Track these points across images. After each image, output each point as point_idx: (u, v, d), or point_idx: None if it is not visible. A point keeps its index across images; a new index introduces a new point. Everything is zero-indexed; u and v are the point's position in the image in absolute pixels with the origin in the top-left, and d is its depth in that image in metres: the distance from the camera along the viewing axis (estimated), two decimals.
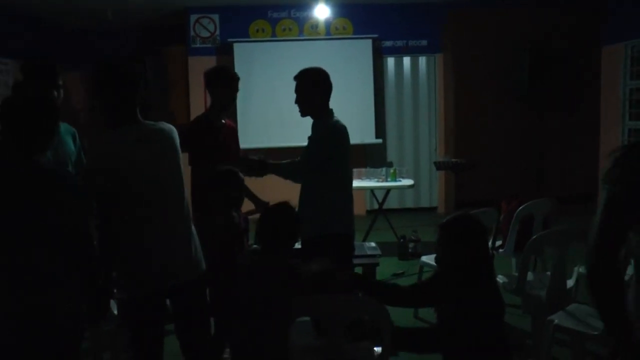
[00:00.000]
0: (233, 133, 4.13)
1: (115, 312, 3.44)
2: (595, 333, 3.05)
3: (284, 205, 2.72)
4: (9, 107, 2.32)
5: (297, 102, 3.47)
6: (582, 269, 3.99)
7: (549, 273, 3.90)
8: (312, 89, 3.43)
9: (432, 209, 9.10)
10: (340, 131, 3.42)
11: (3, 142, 2.32)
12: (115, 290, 2.69)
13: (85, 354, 3.62)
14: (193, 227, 2.75)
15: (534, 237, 3.77)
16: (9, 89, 7.05)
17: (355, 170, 6.82)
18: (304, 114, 3.49)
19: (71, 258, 2.31)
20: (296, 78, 3.48)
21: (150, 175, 2.55)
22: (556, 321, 3.20)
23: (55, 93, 3.15)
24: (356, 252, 3.86)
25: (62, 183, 2.33)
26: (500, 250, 4.56)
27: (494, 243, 4.50)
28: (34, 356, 2.28)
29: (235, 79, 4.00)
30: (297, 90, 3.46)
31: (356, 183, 6.72)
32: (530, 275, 3.92)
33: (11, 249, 2.25)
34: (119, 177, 2.51)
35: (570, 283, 3.84)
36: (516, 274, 3.96)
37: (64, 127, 3.34)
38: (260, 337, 2.51)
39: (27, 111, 2.31)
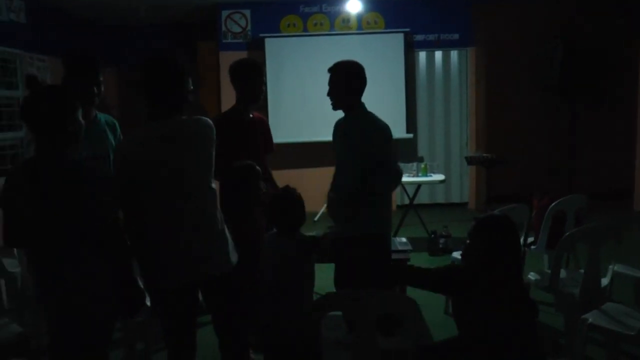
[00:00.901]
0: (262, 127, 4.04)
1: (149, 303, 3.50)
2: (632, 333, 3.00)
3: (287, 191, 2.94)
4: (24, 105, 2.39)
5: (329, 94, 3.46)
6: (617, 267, 3.93)
7: (582, 271, 3.84)
8: (346, 82, 3.42)
9: (462, 205, 9.02)
10: (388, 129, 3.41)
11: (35, 139, 2.39)
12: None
13: (118, 344, 3.71)
14: (223, 222, 2.75)
15: (567, 234, 3.72)
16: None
17: None
18: (336, 107, 3.48)
19: (100, 248, 2.36)
20: (330, 70, 3.47)
21: (172, 172, 2.56)
22: (590, 320, 3.16)
23: (95, 89, 3.16)
24: None
25: (87, 177, 2.37)
26: (532, 247, 4.51)
27: (525, 240, 4.45)
28: (66, 340, 2.37)
29: (257, 71, 3.86)
30: (330, 83, 3.46)
31: None
32: (563, 273, 3.87)
33: (45, 240, 2.33)
34: (142, 173, 2.55)
35: (604, 282, 3.77)
36: (548, 271, 3.92)
37: (104, 118, 3.36)
38: (286, 311, 2.71)
39: (37, 107, 2.36)
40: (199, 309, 2.81)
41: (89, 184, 2.34)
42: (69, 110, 2.39)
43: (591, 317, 3.19)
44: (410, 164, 6.83)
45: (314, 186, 8.48)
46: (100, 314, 2.39)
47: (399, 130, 8.27)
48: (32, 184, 2.30)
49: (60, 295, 2.35)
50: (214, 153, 2.69)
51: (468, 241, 2.52)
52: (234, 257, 2.75)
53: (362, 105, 3.47)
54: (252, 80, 3.81)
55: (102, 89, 3.23)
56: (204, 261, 2.64)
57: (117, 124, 3.44)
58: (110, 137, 3.34)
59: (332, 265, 3.53)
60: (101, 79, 3.21)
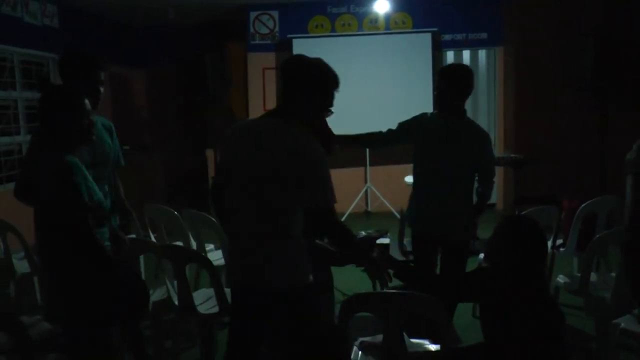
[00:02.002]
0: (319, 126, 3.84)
1: (176, 302, 3.54)
2: None
3: None
4: (39, 105, 2.45)
5: (442, 96, 3.48)
6: None
7: (613, 274, 3.78)
8: (462, 85, 3.44)
9: (490, 206, 8.91)
10: None
11: (41, 137, 2.47)
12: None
13: (147, 342, 3.76)
14: (298, 241, 2.50)
15: (598, 236, 3.66)
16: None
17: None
18: (445, 110, 3.50)
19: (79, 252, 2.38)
20: (445, 72, 3.50)
21: (240, 169, 2.47)
22: (622, 325, 3.10)
23: (101, 89, 3.08)
24: None
25: (71, 179, 2.34)
26: (562, 249, 4.45)
27: (554, 242, 4.39)
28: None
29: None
30: (445, 85, 3.44)
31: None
32: (593, 276, 3.81)
33: (40, 238, 2.43)
34: (226, 164, 2.57)
35: None
36: (578, 275, 3.86)
37: (101, 120, 3.23)
38: None
39: (44, 107, 2.42)
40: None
41: (69, 187, 2.33)
42: (80, 109, 2.43)
43: (623, 322, 3.13)
44: None
45: (342, 187, 8.49)
46: (91, 318, 2.41)
47: None
48: (32, 181, 2.39)
49: (52, 299, 2.42)
50: (297, 177, 2.38)
51: (492, 239, 2.50)
52: (293, 278, 2.47)
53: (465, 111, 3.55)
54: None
55: (102, 90, 3.11)
56: (253, 271, 2.50)
57: (113, 127, 3.34)
58: (108, 140, 3.24)
59: (354, 267, 3.53)
60: (102, 79, 3.09)
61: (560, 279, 4.05)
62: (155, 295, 3.71)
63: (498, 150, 8.58)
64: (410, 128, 3.66)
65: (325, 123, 3.62)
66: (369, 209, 8.54)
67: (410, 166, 3.72)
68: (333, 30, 8.60)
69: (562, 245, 4.48)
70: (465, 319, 4.20)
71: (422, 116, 3.66)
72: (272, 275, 2.44)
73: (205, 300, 3.60)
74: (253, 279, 2.49)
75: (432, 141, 3.53)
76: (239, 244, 2.53)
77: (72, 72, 3.03)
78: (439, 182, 3.50)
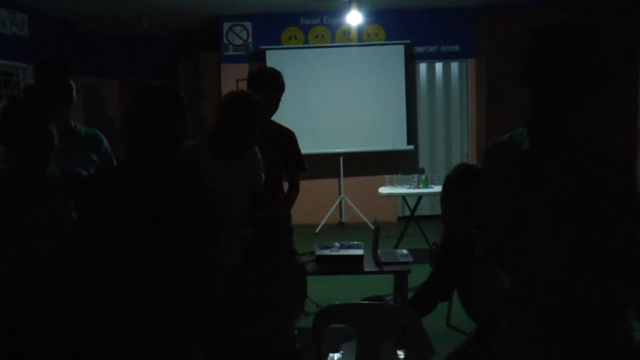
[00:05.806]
0: (284, 141, 3.86)
1: None
2: None
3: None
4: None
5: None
6: None
7: None
8: None
9: None
10: None
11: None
12: None
13: None
14: None
15: None
16: None
17: (387, 176, 6.81)
18: None
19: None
20: None
21: None
22: None
23: (68, 94, 2.99)
24: (388, 259, 3.87)
25: None
26: None
27: None
28: None
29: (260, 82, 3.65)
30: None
31: (388, 190, 6.71)
32: None
33: None
34: None
35: None
36: None
37: (85, 130, 3.17)
38: None
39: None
40: None
41: None
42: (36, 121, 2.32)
43: None
44: (411, 176, 6.82)
45: (316, 198, 8.51)
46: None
47: (399, 142, 8.30)
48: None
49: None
50: None
51: (442, 207, 2.59)
52: None
53: None
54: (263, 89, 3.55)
55: (74, 95, 3.03)
56: None
57: (101, 137, 3.24)
58: (91, 151, 3.13)
59: (328, 278, 3.52)
60: (72, 84, 3.01)
61: None
62: None
63: (471, 161, 8.68)
64: None
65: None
66: (343, 220, 8.54)
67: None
68: (306, 41, 8.64)
69: None
70: (439, 327, 4.22)
71: None
72: None
73: None
74: None
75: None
76: None
77: (40, 77, 2.96)
78: None
